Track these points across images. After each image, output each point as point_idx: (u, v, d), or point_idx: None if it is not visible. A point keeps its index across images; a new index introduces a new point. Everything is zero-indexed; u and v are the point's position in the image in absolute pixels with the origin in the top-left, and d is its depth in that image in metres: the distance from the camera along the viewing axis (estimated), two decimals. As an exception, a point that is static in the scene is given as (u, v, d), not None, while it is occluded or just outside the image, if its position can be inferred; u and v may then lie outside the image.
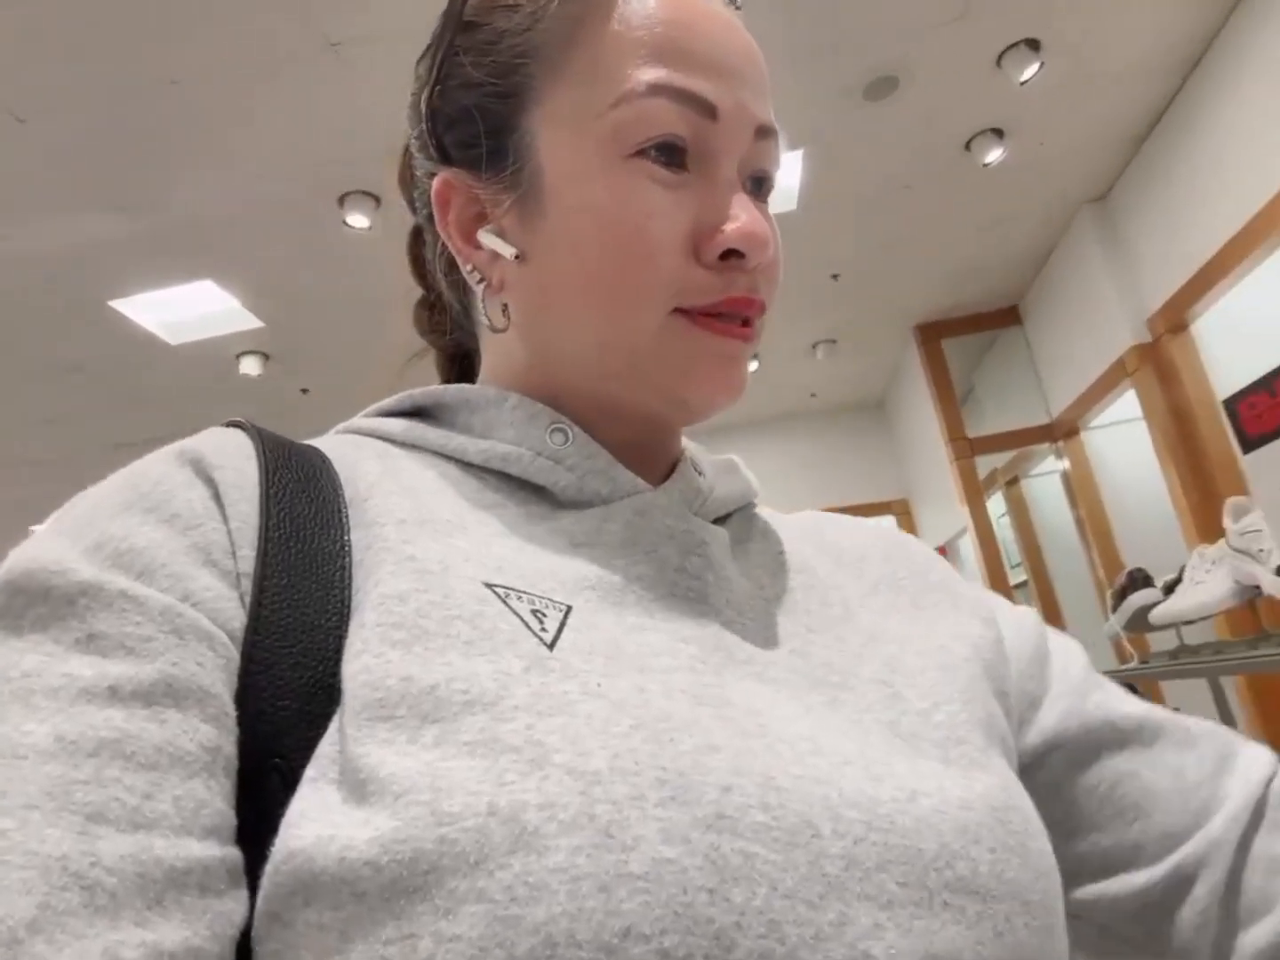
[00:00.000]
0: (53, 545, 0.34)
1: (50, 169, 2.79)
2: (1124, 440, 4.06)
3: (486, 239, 0.46)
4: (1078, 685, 0.49)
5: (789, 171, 3.36)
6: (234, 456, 0.39)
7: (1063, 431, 4.39)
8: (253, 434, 0.41)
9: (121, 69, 2.44)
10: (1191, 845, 0.44)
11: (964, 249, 4.13)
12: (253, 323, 3.88)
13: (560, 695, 0.33)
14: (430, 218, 0.49)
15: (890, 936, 0.30)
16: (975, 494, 4.63)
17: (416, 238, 0.57)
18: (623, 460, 0.46)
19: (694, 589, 0.42)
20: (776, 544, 0.50)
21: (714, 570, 0.44)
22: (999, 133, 3.27)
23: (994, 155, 3.31)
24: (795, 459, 6.13)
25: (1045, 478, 4.87)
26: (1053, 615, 4.60)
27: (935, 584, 0.51)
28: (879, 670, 0.42)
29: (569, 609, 0.38)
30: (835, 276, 4.28)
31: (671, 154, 0.43)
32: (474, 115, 0.46)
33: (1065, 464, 4.47)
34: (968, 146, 3.33)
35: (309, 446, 0.44)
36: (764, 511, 0.54)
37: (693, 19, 0.44)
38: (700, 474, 0.50)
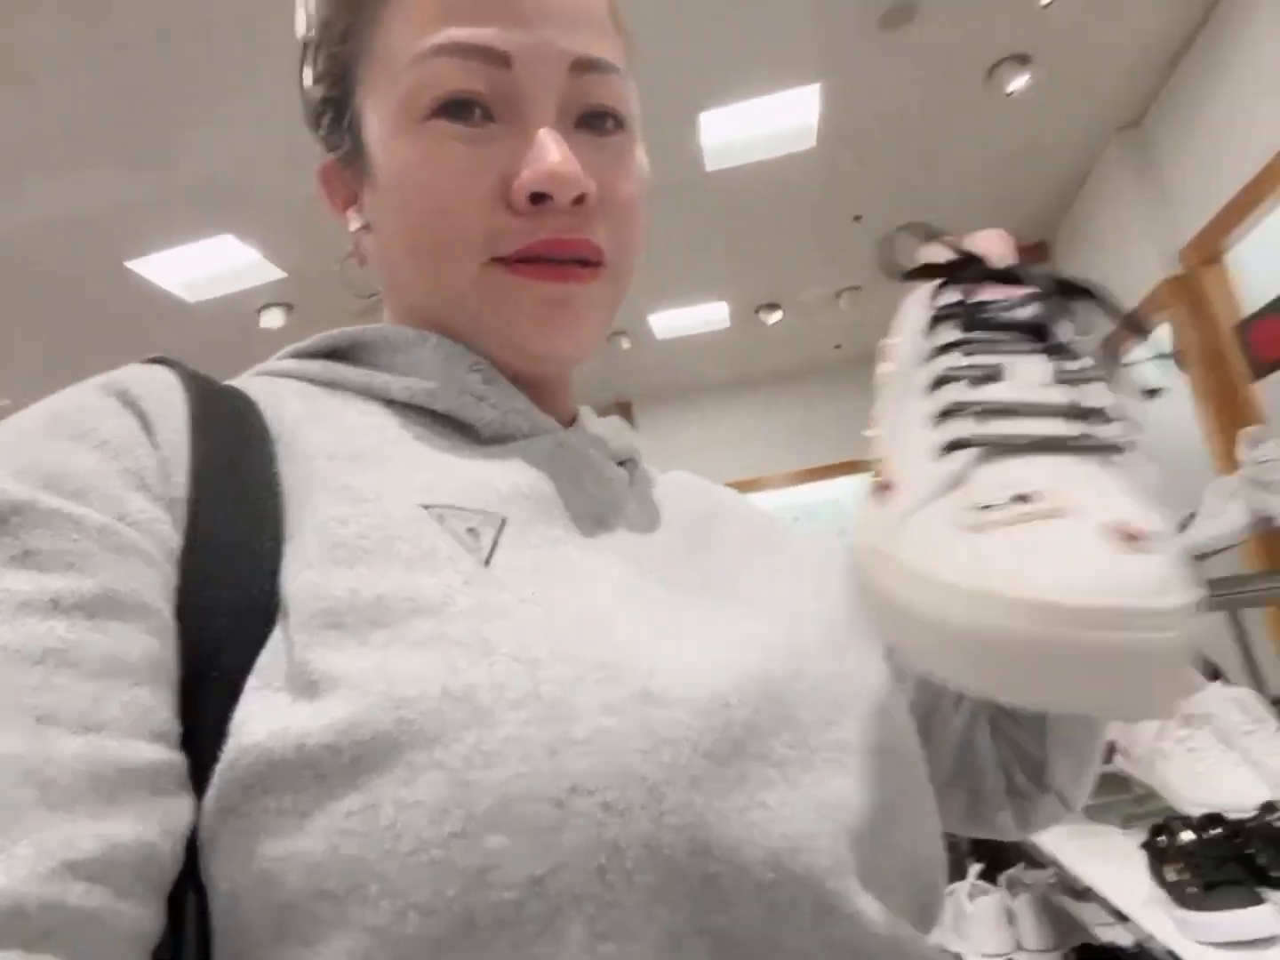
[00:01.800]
0: None
1: (59, 129, 2.79)
2: (1157, 376, 3.95)
3: (352, 215, 0.51)
4: None
5: (805, 109, 3.28)
6: (159, 388, 0.40)
7: (1093, 370, 4.29)
8: (177, 369, 0.43)
9: (125, 22, 2.42)
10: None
11: (992, 182, 4.01)
12: (274, 274, 3.88)
13: (500, 603, 0.35)
14: None
15: (780, 789, 0.34)
16: (1003, 436, 4.55)
17: None
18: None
19: (605, 514, 0.46)
20: (660, 489, 0.55)
21: (618, 500, 0.48)
22: (1023, 59, 3.14)
23: (1018, 83, 3.18)
24: (819, 415, 6.02)
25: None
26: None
27: (791, 545, 0.54)
28: (755, 581, 0.47)
29: (504, 521, 0.40)
30: (858, 218, 4.18)
31: (465, 109, 0.44)
32: (328, 103, 0.50)
33: (1096, 403, 4.38)
34: (990, 75, 3.21)
35: (230, 386, 0.45)
36: (645, 466, 0.58)
37: None
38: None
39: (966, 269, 0.40)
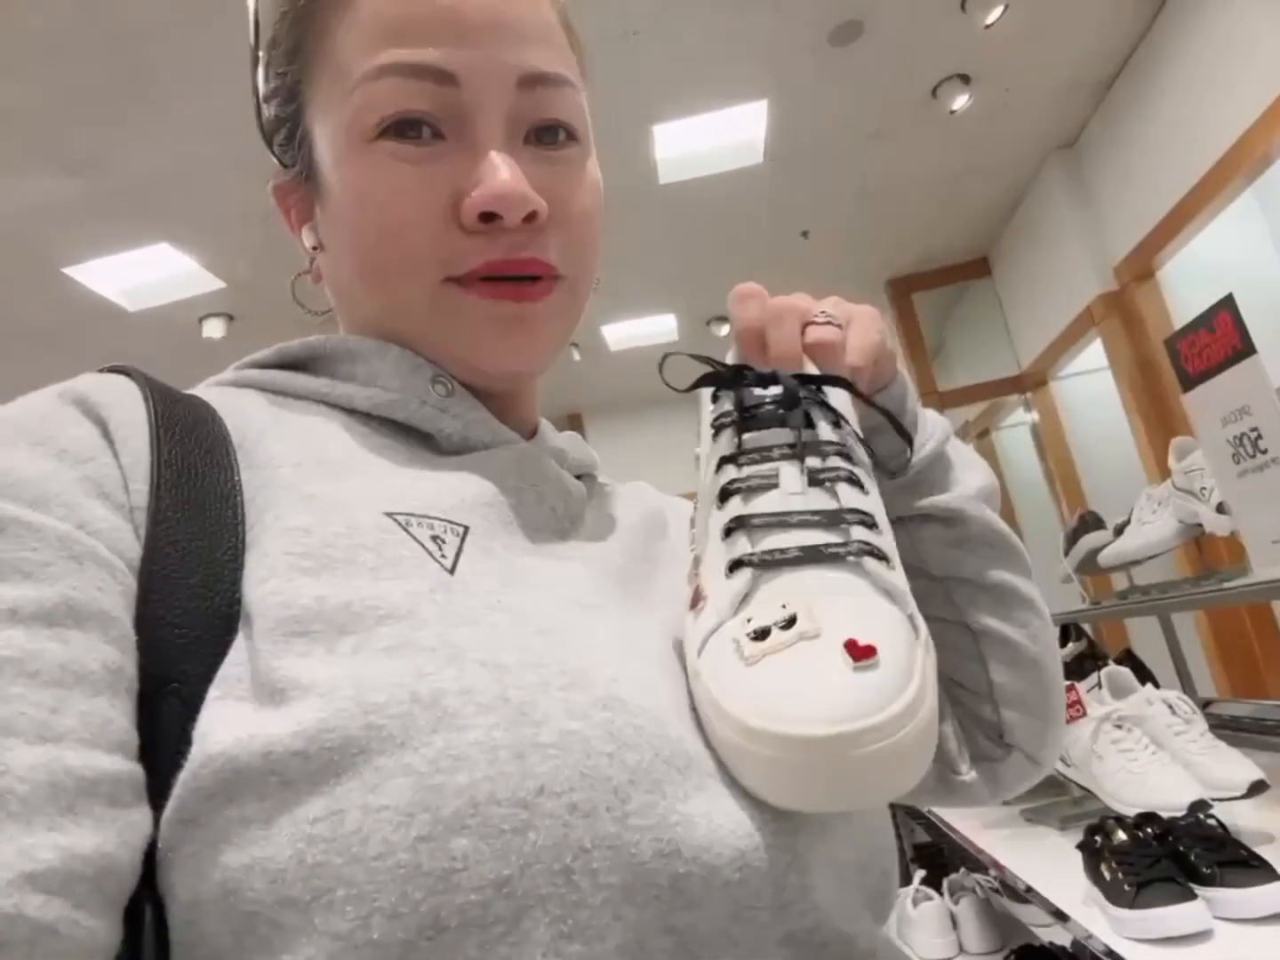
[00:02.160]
0: None
1: (-8, 128, 2.71)
2: (1091, 389, 4.08)
3: (305, 233, 0.51)
4: None
5: (753, 123, 3.32)
6: (120, 396, 0.40)
7: (1032, 382, 4.41)
8: (137, 377, 0.42)
9: (61, 24, 2.36)
10: None
11: (934, 199, 4.10)
12: (214, 284, 3.81)
13: (466, 609, 0.36)
14: None
15: (736, 792, 0.35)
16: (947, 447, 4.64)
17: None
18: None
19: (562, 526, 0.47)
20: (615, 502, 0.55)
21: (575, 511, 0.49)
22: (965, 79, 3.23)
23: (960, 102, 3.27)
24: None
25: (1015, 429, 4.89)
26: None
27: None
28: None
29: (467, 529, 0.40)
30: (805, 234, 4.23)
31: (412, 129, 0.44)
32: (279, 121, 0.50)
33: (1035, 415, 4.49)
34: (934, 93, 3.29)
35: (190, 394, 0.44)
36: (602, 479, 0.59)
37: None
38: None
39: (733, 377, 0.43)
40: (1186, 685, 1.94)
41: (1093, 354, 3.81)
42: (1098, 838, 1.12)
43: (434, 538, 0.38)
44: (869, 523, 0.38)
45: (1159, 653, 1.99)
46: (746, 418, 0.42)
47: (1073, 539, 1.87)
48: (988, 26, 2.88)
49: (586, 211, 0.48)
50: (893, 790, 0.33)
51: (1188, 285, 3.33)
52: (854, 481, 0.39)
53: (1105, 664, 1.50)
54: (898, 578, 0.38)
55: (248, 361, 0.50)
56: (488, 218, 0.43)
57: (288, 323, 0.55)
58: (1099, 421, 4.04)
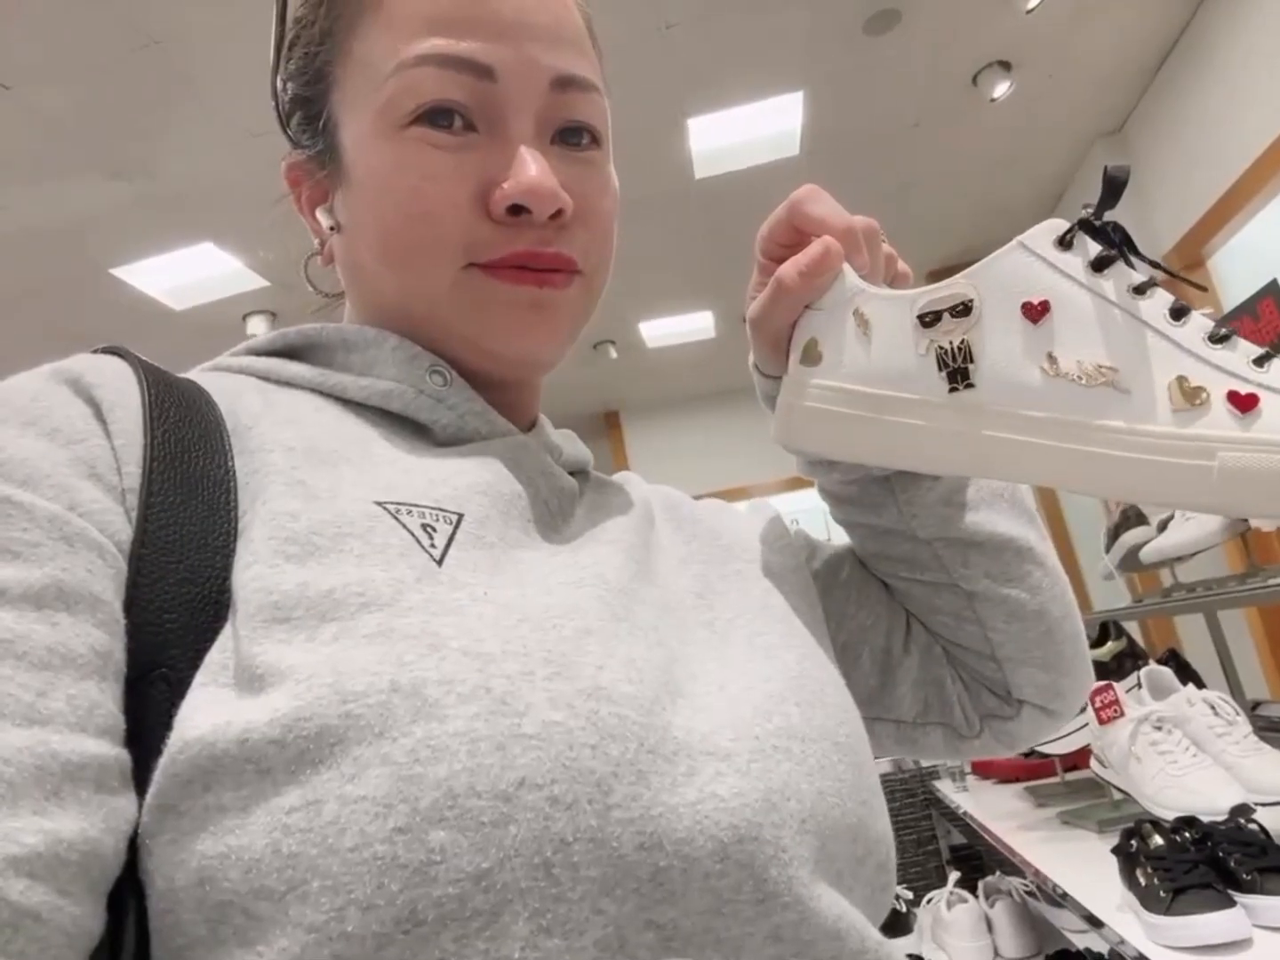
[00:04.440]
0: None
1: (39, 136, 2.78)
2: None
3: (320, 214, 0.51)
4: (817, 544, 0.62)
5: (789, 116, 3.28)
6: (113, 377, 0.40)
7: (1078, 376, 4.31)
8: (130, 359, 0.42)
9: (103, 31, 2.42)
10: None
11: (976, 189, 4.03)
12: (258, 282, 3.87)
13: (451, 600, 0.35)
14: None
15: (731, 779, 0.34)
16: (990, 442, 4.57)
17: None
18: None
19: (557, 518, 0.47)
20: (609, 495, 0.55)
21: (569, 505, 0.49)
22: (1006, 65, 3.16)
23: (1001, 90, 3.20)
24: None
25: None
26: (1068, 559, 4.55)
27: (730, 543, 0.55)
28: (692, 585, 0.48)
29: (460, 518, 0.40)
30: (844, 224, 4.18)
31: (445, 118, 0.44)
32: (299, 102, 0.50)
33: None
34: (974, 81, 3.23)
35: (184, 378, 0.44)
36: (596, 474, 0.59)
37: None
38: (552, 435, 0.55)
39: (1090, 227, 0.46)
40: (1234, 685, 1.88)
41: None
42: (1134, 842, 1.09)
43: (424, 526, 0.38)
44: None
45: (1210, 652, 1.94)
46: (1126, 244, 0.45)
47: (1114, 535, 1.82)
48: (1029, 11, 2.82)
49: (607, 213, 0.49)
50: None
51: (1238, 274, 3.23)
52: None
53: (1145, 663, 1.46)
54: None
55: (244, 347, 0.50)
56: (516, 210, 0.44)
57: (328, 320, 0.55)
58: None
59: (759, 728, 0.37)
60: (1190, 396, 0.43)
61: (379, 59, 0.45)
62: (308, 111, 0.50)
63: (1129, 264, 0.45)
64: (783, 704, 0.40)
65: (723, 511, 0.61)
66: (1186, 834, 1.06)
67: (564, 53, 0.46)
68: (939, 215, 4.23)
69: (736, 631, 0.45)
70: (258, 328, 4.20)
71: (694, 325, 5.07)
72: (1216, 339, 0.44)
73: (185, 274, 3.73)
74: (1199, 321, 0.44)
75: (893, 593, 0.59)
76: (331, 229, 0.50)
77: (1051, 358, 0.44)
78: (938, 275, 4.75)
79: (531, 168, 0.44)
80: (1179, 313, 0.44)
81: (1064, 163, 3.89)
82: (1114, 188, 0.44)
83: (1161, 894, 0.98)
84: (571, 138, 0.47)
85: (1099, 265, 0.45)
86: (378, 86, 0.45)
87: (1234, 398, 0.42)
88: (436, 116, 0.44)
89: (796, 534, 0.61)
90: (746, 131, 3.36)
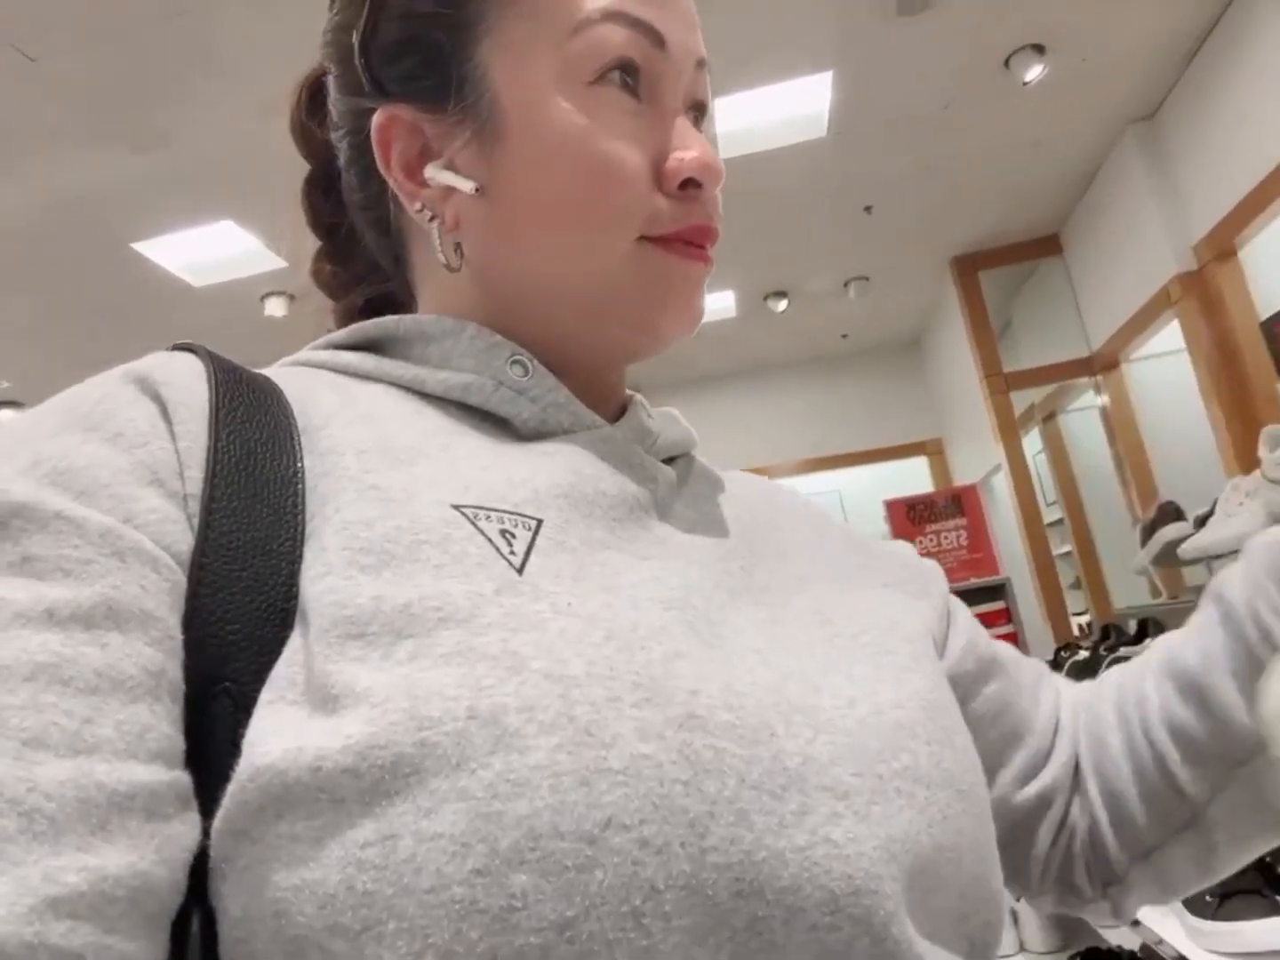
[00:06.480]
0: None
1: (63, 108, 2.77)
2: (1166, 373, 3.93)
3: (439, 174, 0.45)
4: (968, 626, 0.54)
5: (817, 96, 3.24)
6: (183, 375, 0.38)
7: (1102, 364, 4.26)
8: (203, 356, 0.40)
9: (130, 6, 2.39)
10: (1050, 771, 0.52)
11: (1004, 174, 3.98)
12: (276, 263, 3.86)
13: (533, 614, 0.33)
14: (355, 159, 0.50)
15: (847, 823, 0.31)
16: (1010, 431, 4.54)
17: (312, 187, 0.57)
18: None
19: (650, 516, 0.44)
20: (715, 488, 0.52)
21: (664, 500, 0.46)
22: (1039, 49, 3.11)
23: (1034, 73, 3.15)
24: (825, 403, 6.05)
25: (1083, 413, 4.74)
26: (1087, 553, 4.52)
27: (860, 555, 0.53)
28: (810, 601, 0.44)
29: (539, 524, 0.37)
30: (868, 209, 4.14)
31: (633, 78, 0.44)
32: (419, 47, 0.45)
33: (1104, 399, 4.34)
34: (1007, 64, 3.18)
35: (260, 374, 0.43)
36: (701, 460, 0.55)
37: None
38: (649, 417, 0.52)
39: None
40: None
41: (1168, 336, 3.67)
42: (1176, 844, 1.07)
43: (503, 532, 0.36)
44: None
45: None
46: None
47: (1150, 530, 1.80)
48: (1066, -7, 2.76)
49: None
50: None
51: (1273, 265, 3.18)
52: None
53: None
54: None
55: (325, 341, 0.49)
56: (686, 184, 0.44)
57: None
58: (1173, 406, 3.89)
59: (884, 765, 0.35)
60: None
61: (555, 11, 0.43)
62: (431, 57, 0.45)
63: None
64: (913, 739, 0.37)
65: (850, 530, 0.57)
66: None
67: (699, 35, 0.47)
68: (967, 199, 4.18)
69: (861, 648, 0.41)
70: (276, 309, 4.19)
71: (715, 305, 5.04)
72: None
73: (205, 251, 3.72)
74: None
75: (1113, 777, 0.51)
76: (477, 189, 0.44)
77: None
78: (962, 262, 4.71)
79: (703, 143, 0.44)
80: None
81: (1095, 148, 3.83)
82: None
83: (1208, 898, 0.97)
84: (696, 116, 0.49)
85: None
86: (559, 41, 0.43)
87: None
88: (624, 75, 0.44)
89: (940, 594, 0.54)
90: (774, 112, 3.32)
